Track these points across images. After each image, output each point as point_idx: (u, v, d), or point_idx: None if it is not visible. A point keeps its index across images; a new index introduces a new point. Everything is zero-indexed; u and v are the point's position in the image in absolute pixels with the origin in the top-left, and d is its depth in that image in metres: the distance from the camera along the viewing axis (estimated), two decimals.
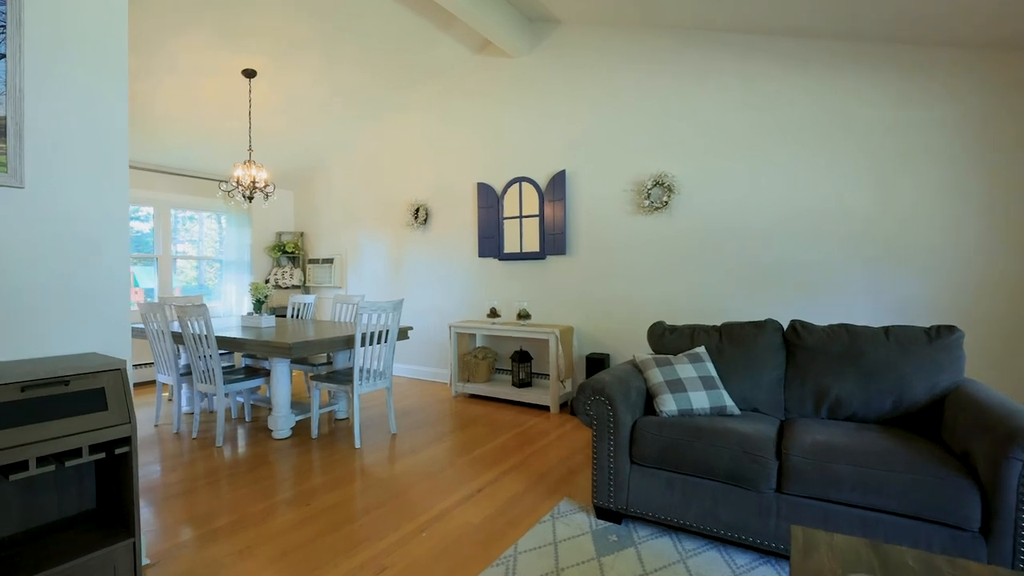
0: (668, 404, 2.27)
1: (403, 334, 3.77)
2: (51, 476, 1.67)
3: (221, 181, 4.15)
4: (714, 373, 2.42)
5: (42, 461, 1.45)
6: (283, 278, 6.34)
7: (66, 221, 1.77)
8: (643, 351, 4.05)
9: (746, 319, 3.63)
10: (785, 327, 2.91)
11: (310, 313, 4.74)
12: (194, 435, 3.52)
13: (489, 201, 4.81)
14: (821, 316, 3.38)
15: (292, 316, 4.86)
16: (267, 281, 6.41)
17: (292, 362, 4.02)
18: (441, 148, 5.22)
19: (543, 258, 4.53)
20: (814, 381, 2.34)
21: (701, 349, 2.55)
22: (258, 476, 2.82)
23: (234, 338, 3.30)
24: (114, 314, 1.88)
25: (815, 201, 3.39)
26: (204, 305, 3.21)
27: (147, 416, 4.03)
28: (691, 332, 2.70)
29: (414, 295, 5.48)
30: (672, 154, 3.91)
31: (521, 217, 4.62)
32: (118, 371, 1.61)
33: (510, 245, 4.70)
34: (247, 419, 3.93)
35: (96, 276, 1.84)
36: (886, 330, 2.30)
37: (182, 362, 3.98)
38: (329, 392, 4.03)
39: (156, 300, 4.52)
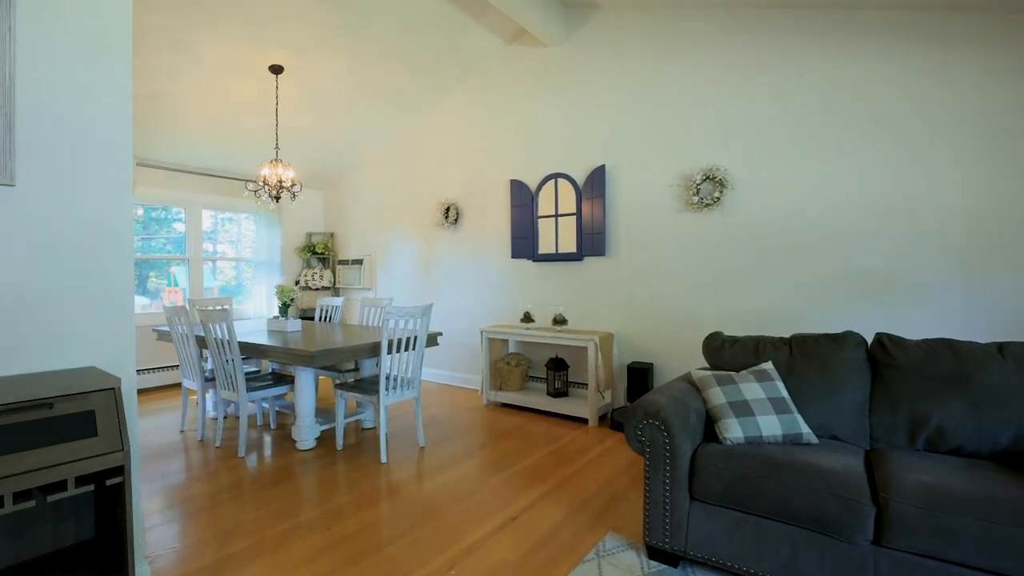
0: (733, 430, 1.97)
1: (432, 340, 3.55)
2: (44, 505, 1.51)
3: (248, 181, 4.04)
4: (785, 394, 2.09)
5: (20, 496, 1.28)
6: (313, 279, 6.25)
7: (62, 222, 1.61)
8: (693, 362, 3.72)
9: (814, 330, 3.25)
10: (868, 341, 2.54)
11: (338, 316, 4.60)
12: (218, 443, 3.40)
13: (523, 199, 4.56)
14: (904, 330, 2.98)
15: (320, 319, 4.73)
16: (297, 282, 6.34)
17: (318, 368, 3.86)
18: (473, 144, 5.00)
19: (580, 259, 4.24)
20: (909, 406, 1.99)
21: (768, 365, 2.22)
22: (279, 493, 2.65)
23: (256, 344, 3.15)
24: (116, 324, 1.71)
25: (898, 199, 2.99)
26: (227, 309, 3.07)
27: (173, 421, 3.95)
28: (755, 345, 2.37)
29: (444, 297, 5.27)
30: (724, 146, 3.56)
31: (557, 216, 4.35)
32: (111, 391, 1.43)
33: (545, 245, 4.44)
34: (272, 426, 3.79)
35: (95, 282, 1.67)
36: (1000, 347, 1.93)
37: (208, 366, 3.89)
38: (355, 401, 3.86)
39: (187, 301, 4.46)
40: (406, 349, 3.21)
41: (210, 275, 5.98)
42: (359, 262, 6.11)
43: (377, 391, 3.08)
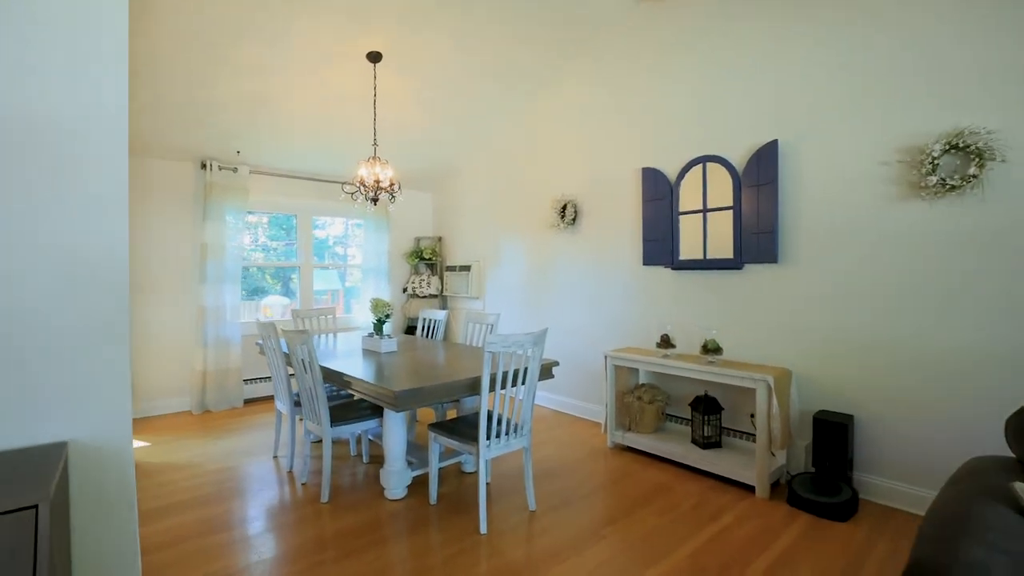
0: None
1: (547, 372, 2.82)
2: None
3: (345, 183, 3.66)
4: None
5: None
6: (420, 286, 5.88)
7: (22, 243, 1.12)
8: (922, 417, 2.54)
9: None
10: None
11: (440, 332, 4.07)
12: (304, 479, 2.99)
13: (659, 191, 3.65)
14: None
15: (422, 332, 4.25)
16: (404, 289, 6.02)
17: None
18: (595, 128, 4.19)
19: (739, 267, 3.23)
20: None
21: None
22: (353, 571, 2.09)
23: (339, 372, 2.66)
24: (103, 381, 1.20)
25: None
26: (306, 331, 2.62)
27: (267, 441, 3.68)
28: None
29: (560, 311, 4.52)
30: (982, 97, 2.36)
31: (705, 211, 3.38)
32: (32, 512, 0.87)
33: (688, 249, 3.48)
34: (365, 459, 3.34)
35: (74, 321, 1.17)
36: None
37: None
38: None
39: (297, 310, 4.25)
40: (514, 384, 2.51)
41: (339, 280, 5.89)
42: (466, 268, 5.60)
43: (477, 437, 2.42)
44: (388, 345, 3.27)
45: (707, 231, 3.38)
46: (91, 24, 1.19)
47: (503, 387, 2.46)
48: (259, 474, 3.12)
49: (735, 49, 3.25)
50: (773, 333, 3.10)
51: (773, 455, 2.85)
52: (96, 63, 1.21)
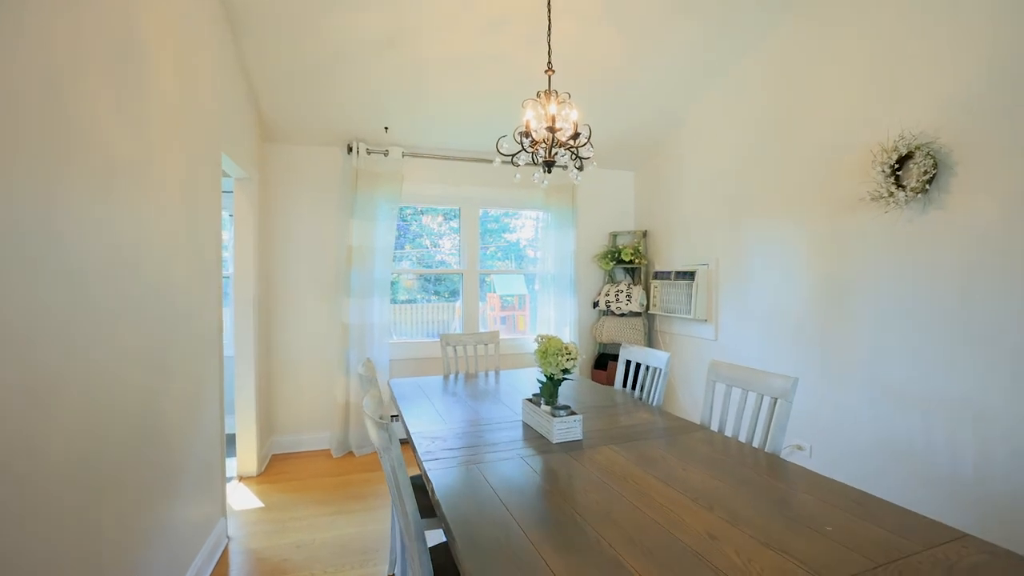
0: None
1: None
2: None
3: (501, 137, 2.26)
4: None
5: None
6: (618, 301, 4.24)
7: None
8: None
9: None
10: None
11: (659, 392, 2.35)
12: None
13: None
14: None
15: (625, 380, 2.60)
16: (595, 304, 4.44)
17: None
18: None
19: None
20: None
21: None
22: None
23: (445, 516, 1.18)
24: None
25: None
26: (392, 421, 1.20)
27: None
28: None
29: (883, 360, 2.41)
30: None
31: None
32: None
33: None
34: None
35: None
36: None
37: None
38: None
39: (448, 335, 3.08)
40: None
41: (526, 284, 4.66)
42: (687, 276, 3.76)
43: None
44: (564, 430, 1.70)
45: None
46: None
47: None
48: None
49: None
50: None
51: None
52: None
